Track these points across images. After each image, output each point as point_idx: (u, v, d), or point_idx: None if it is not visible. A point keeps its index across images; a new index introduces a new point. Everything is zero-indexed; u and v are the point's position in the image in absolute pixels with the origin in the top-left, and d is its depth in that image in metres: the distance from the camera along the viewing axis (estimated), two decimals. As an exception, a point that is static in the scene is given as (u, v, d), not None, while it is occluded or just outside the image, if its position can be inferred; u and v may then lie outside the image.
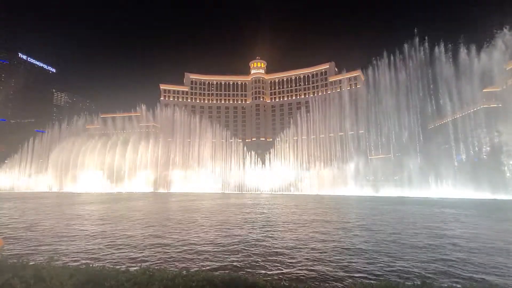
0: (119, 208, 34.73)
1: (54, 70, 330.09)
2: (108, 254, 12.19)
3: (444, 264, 10.76)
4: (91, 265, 6.78)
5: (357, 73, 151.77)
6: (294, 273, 9.74)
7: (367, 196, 66.90)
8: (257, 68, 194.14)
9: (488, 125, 65.98)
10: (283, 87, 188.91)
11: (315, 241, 14.94)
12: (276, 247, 13.53)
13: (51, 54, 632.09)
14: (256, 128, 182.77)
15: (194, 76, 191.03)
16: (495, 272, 9.99)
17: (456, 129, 69.54)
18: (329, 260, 11.25)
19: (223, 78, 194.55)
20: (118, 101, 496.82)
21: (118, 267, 7.29)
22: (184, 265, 10.69)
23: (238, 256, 11.97)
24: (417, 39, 76.29)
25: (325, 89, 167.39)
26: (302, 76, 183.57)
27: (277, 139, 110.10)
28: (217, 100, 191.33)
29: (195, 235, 16.80)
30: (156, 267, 8.76)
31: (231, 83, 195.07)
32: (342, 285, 8.62)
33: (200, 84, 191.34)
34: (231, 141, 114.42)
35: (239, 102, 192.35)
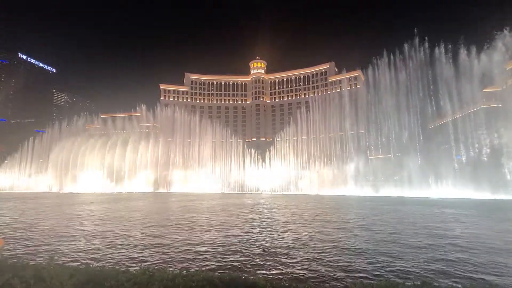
0: (119, 208, 34.72)
1: (54, 70, 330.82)
2: (108, 254, 12.20)
3: (444, 264, 10.77)
4: (91, 265, 6.79)
5: (357, 73, 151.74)
6: (294, 273, 9.74)
7: (367, 196, 66.87)
8: (257, 68, 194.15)
9: (488, 125, 66.00)
10: (283, 87, 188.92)
11: (315, 241, 14.94)
12: (276, 247, 13.53)
13: (51, 54, 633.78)
14: (256, 128, 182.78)
15: (194, 76, 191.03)
16: (495, 272, 10.00)
17: (456, 129, 69.57)
18: (329, 260, 11.25)
19: (223, 78, 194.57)
20: (118, 101, 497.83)
21: (118, 267, 7.30)
22: (184, 265, 10.69)
23: (238, 256, 11.97)
24: (417, 39, 76.38)
25: (325, 89, 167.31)
26: (302, 76, 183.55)
27: (277, 139, 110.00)
28: (217, 100, 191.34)
29: (195, 235, 16.81)
30: (156, 267, 8.77)
31: (231, 83, 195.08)
32: (342, 285, 8.63)
33: (200, 84, 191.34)
34: (231, 141, 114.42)
35: (239, 102, 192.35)
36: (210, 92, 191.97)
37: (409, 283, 6.05)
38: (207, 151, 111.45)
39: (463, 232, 18.14)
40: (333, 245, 13.93)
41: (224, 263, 10.89)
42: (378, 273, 9.71)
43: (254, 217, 25.91)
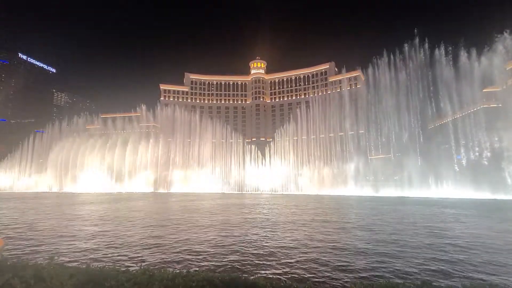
0: (119, 208, 34.73)
1: (54, 70, 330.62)
2: (108, 254, 12.19)
3: (444, 264, 10.77)
4: (91, 265, 6.79)
5: (357, 73, 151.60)
6: (294, 273, 9.74)
7: (367, 196, 66.87)
8: (257, 68, 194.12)
9: (488, 125, 66.00)
10: (283, 87, 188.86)
11: (314, 241, 14.94)
12: (276, 247, 13.53)
13: (51, 54, 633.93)
14: (256, 128, 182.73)
15: (194, 76, 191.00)
16: (495, 272, 10.00)
17: (456, 129, 69.57)
18: (329, 261, 11.24)
19: (223, 78, 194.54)
20: (118, 101, 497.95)
21: (118, 267, 7.29)
22: (183, 265, 10.69)
23: (237, 256, 11.97)
24: (417, 40, 76.39)
25: (325, 89, 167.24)
26: (302, 76, 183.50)
27: (276, 137, 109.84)
28: (217, 100, 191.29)
29: (195, 235, 16.81)
30: (156, 267, 8.77)
31: (231, 83, 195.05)
32: (342, 285, 8.62)
33: (200, 84, 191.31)
34: (231, 141, 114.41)
35: (239, 102, 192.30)
36: (210, 92, 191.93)
37: (409, 283, 6.05)
38: (207, 151, 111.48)
39: (463, 232, 18.14)
40: (333, 245, 13.93)
41: (224, 263, 10.89)
42: (378, 273, 9.71)
43: (254, 217, 25.91)
